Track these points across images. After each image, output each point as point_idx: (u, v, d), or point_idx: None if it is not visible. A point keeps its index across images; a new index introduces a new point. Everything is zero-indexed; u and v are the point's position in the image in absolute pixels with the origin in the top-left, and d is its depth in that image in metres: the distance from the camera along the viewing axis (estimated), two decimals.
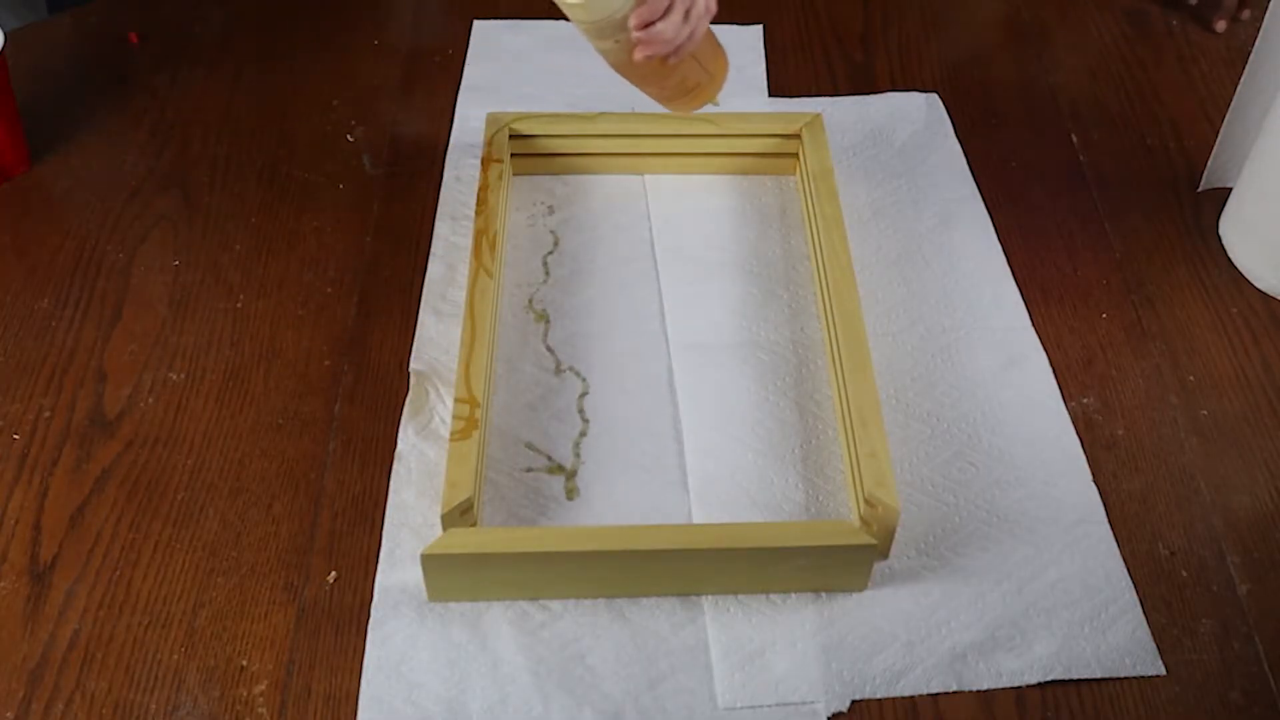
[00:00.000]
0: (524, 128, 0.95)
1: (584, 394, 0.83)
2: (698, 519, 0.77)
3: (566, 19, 0.78)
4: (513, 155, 0.95)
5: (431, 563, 0.70)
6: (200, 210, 0.95)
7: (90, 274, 0.90)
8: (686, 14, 0.82)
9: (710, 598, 0.73)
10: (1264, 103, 0.91)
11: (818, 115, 0.97)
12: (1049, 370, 0.85)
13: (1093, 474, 0.80)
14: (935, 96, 1.07)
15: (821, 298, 0.87)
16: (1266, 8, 0.90)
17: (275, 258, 0.92)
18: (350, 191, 0.97)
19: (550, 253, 0.93)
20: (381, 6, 1.16)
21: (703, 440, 0.80)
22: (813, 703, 0.68)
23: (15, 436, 0.80)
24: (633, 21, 0.80)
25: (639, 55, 0.82)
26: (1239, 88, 0.93)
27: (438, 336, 0.86)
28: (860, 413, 0.76)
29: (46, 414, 0.81)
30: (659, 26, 0.80)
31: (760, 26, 1.14)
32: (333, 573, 0.74)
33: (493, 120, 0.96)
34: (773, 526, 0.74)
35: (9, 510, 0.76)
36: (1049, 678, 0.70)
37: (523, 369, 0.84)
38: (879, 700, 0.69)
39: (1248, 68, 0.92)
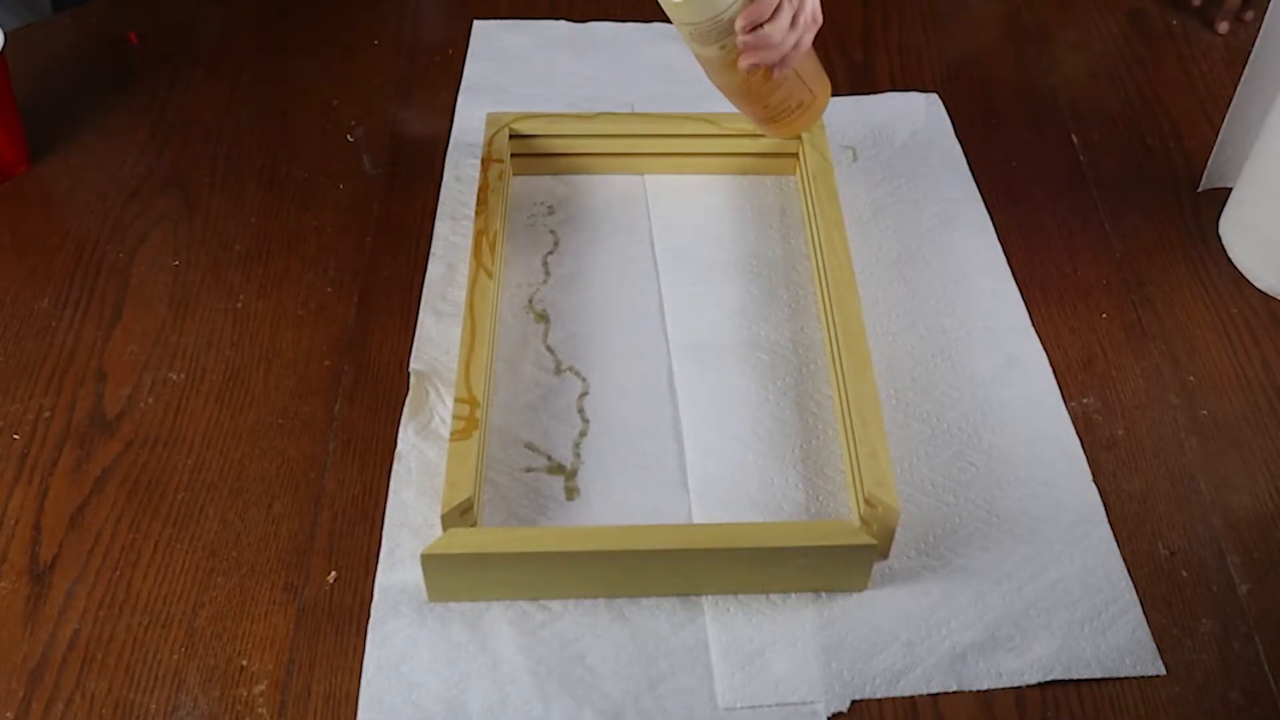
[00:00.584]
0: (524, 128, 0.95)
1: (584, 394, 0.83)
2: (698, 519, 0.77)
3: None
4: (513, 155, 0.95)
5: (431, 563, 0.70)
6: (200, 210, 0.95)
7: (90, 274, 0.90)
8: (794, 20, 0.79)
9: (710, 598, 0.73)
10: (1264, 103, 0.91)
11: None
12: (1049, 370, 0.85)
13: (1093, 474, 0.80)
14: (935, 96, 1.07)
15: (821, 298, 0.87)
16: (1267, 8, 0.90)
17: (275, 258, 0.92)
18: (350, 191, 0.97)
19: (550, 253, 0.93)
20: (381, 6, 1.15)
21: (703, 440, 0.80)
22: (813, 703, 0.68)
23: (15, 436, 0.80)
24: (740, 23, 0.77)
25: (745, 63, 0.79)
26: (1239, 88, 0.93)
27: (438, 336, 0.86)
28: (860, 413, 0.76)
29: (46, 414, 0.81)
30: (767, 29, 0.77)
31: None
32: (333, 573, 0.74)
33: (493, 120, 0.96)
34: (773, 526, 0.74)
35: (9, 510, 0.76)
36: (1049, 678, 0.70)
37: (523, 369, 0.84)
38: (879, 700, 0.69)
39: (1248, 68, 0.92)
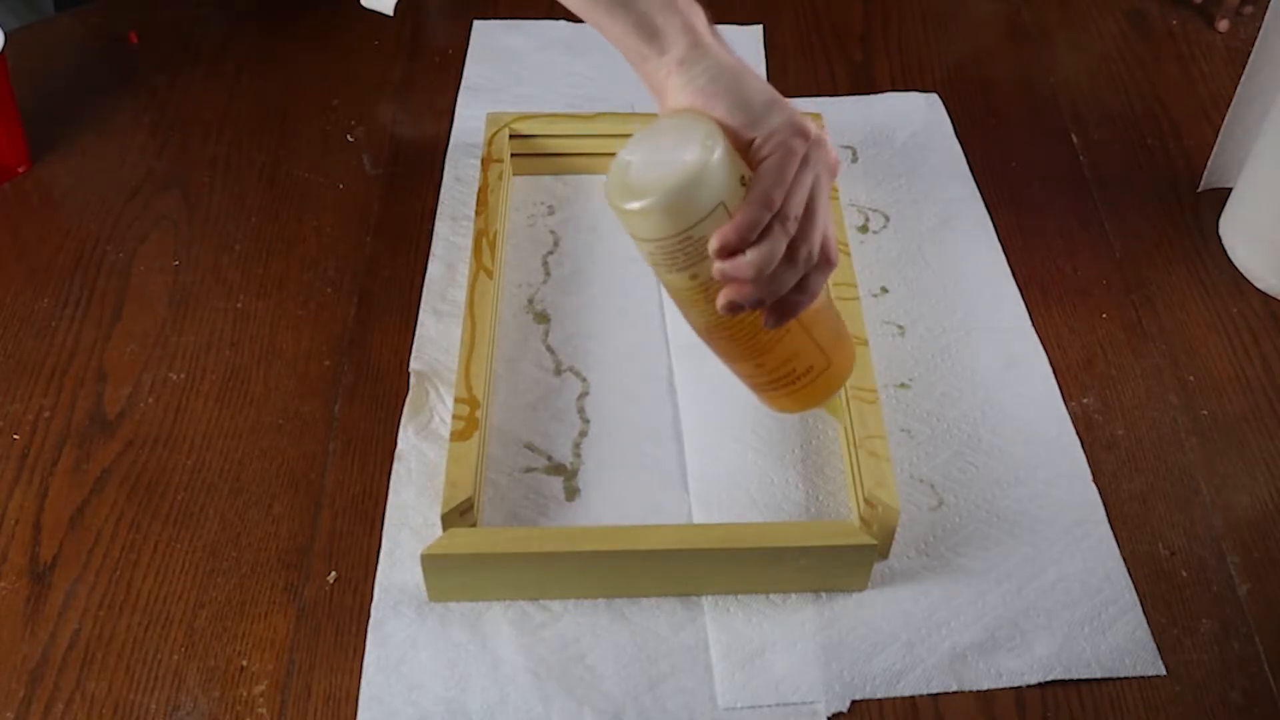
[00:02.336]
0: (524, 128, 0.95)
1: (584, 394, 0.83)
2: (698, 519, 0.76)
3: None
4: (513, 155, 0.95)
5: (431, 563, 0.70)
6: (200, 210, 0.95)
7: (90, 274, 0.90)
8: (793, 254, 0.59)
9: (710, 598, 0.73)
10: (1264, 103, 0.91)
11: (818, 115, 0.96)
12: (1049, 370, 0.85)
13: (1093, 474, 0.80)
14: (935, 96, 1.07)
15: None
16: (1266, 6, 0.90)
17: (275, 258, 0.92)
18: (350, 191, 0.97)
19: (550, 253, 0.93)
20: None
21: (703, 440, 0.80)
22: (813, 703, 0.68)
23: (15, 436, 0.80)
24: (713, 244, 0.57)
25: (721, 302, 0.59)
26: (1239, 88, 0.93)
27: (438, 336, 0.86)
28: (860, 413, 0.76)
29: (46, 414, 0.81)
30: (750, 256, 0.57)
31: (760, 27, 1.14)
32: (333, 573, 0.74)
33: (493, 120, 0.96)
34: (773, 526, 0.74)
35: (9, 510, 0.76)
36: (1049, 678, 0.70)
37: (523, 369, 0.84)
38: (879, 700, 0.69)
39: (1248, 68, 0.92)
